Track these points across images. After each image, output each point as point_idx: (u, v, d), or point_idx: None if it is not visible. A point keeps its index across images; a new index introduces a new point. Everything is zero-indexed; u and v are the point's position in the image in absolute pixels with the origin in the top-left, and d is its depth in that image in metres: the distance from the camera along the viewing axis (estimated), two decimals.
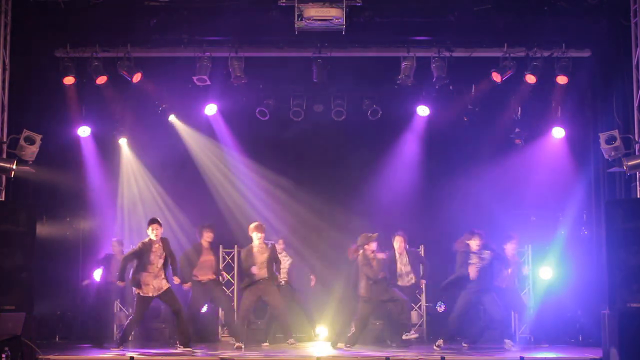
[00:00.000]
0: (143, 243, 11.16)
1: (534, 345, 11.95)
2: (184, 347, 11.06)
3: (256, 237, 11.68)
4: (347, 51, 12.76)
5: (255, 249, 11.69)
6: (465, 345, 11.57)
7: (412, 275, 12.44)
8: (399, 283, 12.28)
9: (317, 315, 13.00)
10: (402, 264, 12.42)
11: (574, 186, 13.29)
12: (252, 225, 11.84)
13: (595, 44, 12.60)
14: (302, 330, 13.01)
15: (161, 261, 11.13)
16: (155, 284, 11.07)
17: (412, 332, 11.82)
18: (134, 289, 11.35)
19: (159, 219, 11.36)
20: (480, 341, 11.79)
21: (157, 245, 11.13)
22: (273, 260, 11.75)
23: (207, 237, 12.33)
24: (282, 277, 12.53)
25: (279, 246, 12.56)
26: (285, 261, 12.72)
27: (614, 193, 12.10)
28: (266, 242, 11.78)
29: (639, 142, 11.03)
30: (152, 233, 11.11)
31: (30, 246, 9.79)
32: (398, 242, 12.44)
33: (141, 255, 11.10)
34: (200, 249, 12.30)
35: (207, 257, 12.28)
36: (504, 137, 13.87)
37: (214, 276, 12.26)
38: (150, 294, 11.08)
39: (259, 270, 11.59)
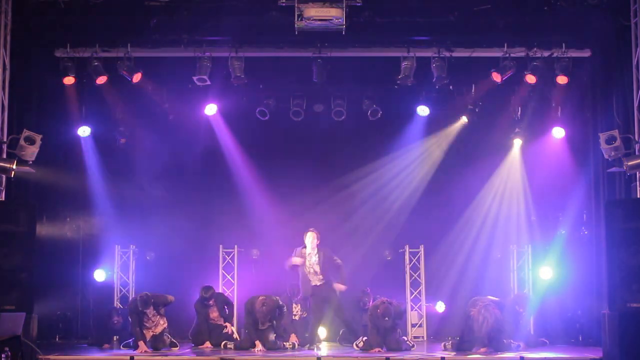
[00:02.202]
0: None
1: (534, 337, 11.94)
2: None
3: None
4: (347, 51, 12.75)
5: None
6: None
7: (321, 276, 11.77)
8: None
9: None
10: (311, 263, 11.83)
11: (574, 186, 13.28)
12: None
13: (595, 44, 12.59)
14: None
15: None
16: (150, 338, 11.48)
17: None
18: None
19: (149, 310, 11.47)
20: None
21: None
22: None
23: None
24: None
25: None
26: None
27: (614, 193, 12.10)
28: None
29: (639, 142, 11.03)
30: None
31: (30, 246, 9.79)
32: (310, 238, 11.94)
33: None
34: None
35: None
36: (504, 137, 13.88)
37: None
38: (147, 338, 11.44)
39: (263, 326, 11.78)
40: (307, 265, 11.78)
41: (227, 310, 12.30)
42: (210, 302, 12.05)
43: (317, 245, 11.83)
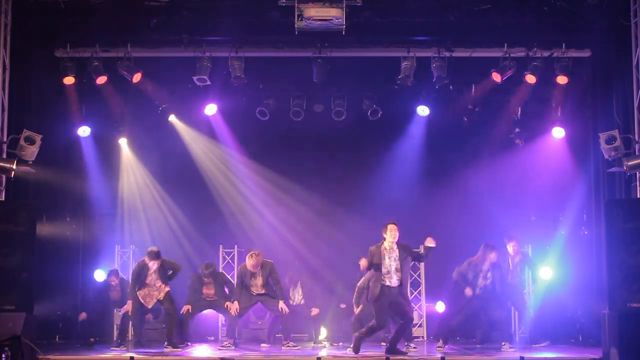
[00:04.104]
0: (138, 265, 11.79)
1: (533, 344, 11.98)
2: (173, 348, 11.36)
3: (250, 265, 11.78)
4: (347, 51, 12.76)
5: (250, 270, 11.82)
6: (479, 345, 11.54)
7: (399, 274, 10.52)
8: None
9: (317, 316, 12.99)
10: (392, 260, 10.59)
11: (574, 186, 13.29)
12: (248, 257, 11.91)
13: (595, 44, 12.60)
14: (302, 331, 13.03)
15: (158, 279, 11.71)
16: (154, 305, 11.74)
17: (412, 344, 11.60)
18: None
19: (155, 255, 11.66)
20: (487, 341, 11.82)
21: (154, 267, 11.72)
22: (268, 278, 11.86)
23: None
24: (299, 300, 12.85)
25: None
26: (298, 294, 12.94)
27: (614, 193, 12.11)
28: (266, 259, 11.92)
29: (639, 142, 11.04)
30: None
31: (30, 246, 9.78)
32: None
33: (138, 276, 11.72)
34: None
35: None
36: (504, 137, 13.88)
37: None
38: (149, 306, 11.70)
39: (257, 289, 11.84)
40: (385, 263, 10.48)
41: (227, 290, 12.28)
42: (207, 280, 12.10)
43: (398, 240, 10.57)
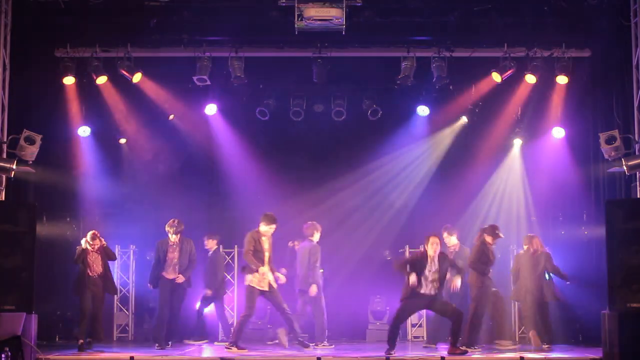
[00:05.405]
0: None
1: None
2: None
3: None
4: (347, 51, 12.77)
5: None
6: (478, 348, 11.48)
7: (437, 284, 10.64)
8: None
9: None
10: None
11: (574, 186, 13.28)
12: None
13: (595, 44, 12.61)
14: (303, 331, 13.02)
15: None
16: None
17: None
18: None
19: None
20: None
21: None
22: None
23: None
24: None
25: None
26: None
27: (614, 193, 12.11)
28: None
29: (639, 142, 11.04)
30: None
31: (30, 246, 9.77)
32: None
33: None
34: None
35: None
36: (504, 137, 13.88)
37: None
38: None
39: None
40: (425, 272, 10.61)
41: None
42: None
43: (440, 252, 10.71)
